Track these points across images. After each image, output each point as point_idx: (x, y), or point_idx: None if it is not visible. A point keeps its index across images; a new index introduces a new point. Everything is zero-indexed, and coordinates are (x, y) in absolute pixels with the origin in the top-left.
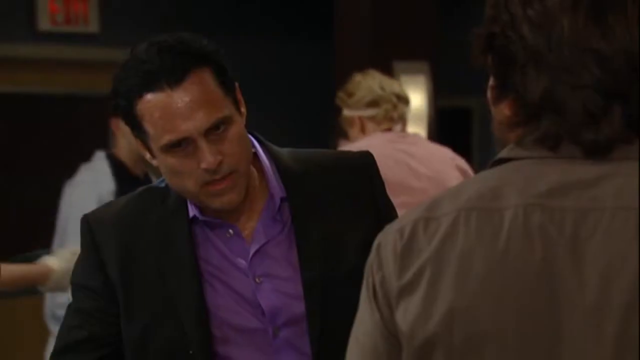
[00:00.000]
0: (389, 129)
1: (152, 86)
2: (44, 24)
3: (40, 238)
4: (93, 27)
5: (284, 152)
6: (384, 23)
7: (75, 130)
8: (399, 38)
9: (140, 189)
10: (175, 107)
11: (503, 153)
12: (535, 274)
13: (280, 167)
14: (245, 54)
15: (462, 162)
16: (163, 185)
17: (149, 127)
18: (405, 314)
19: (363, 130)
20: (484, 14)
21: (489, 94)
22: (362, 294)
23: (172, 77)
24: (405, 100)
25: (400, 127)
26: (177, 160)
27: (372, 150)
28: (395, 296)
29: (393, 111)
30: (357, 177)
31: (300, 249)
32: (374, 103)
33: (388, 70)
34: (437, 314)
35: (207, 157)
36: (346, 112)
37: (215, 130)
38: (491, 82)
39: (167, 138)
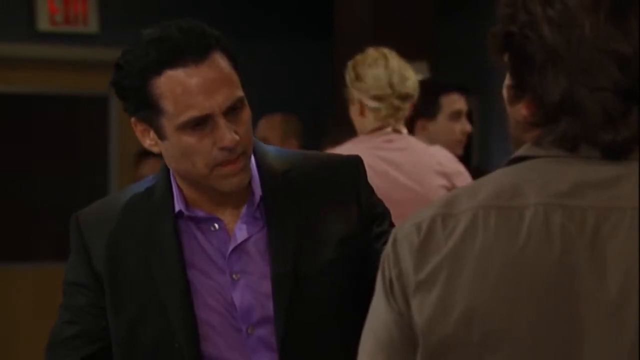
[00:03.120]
0: (380, 128)
1: (175, 62)
2: (43, 24)
3: (39, 238)
4: (92, 27)
5: (270, 150)
6: (384, 23)
7: (75, 131)
8: (399, 38)
9: (127, 187)
10: (199, 83)
11: (520, 151)
12: (554, 272)
13: (261, 164)
14: (244, 53)
15: (450, 167)
16: (148, 182)
17: (167, 105)
18: (422, 310)
19: (362, 114)
20: (483, 14)
21: (505, 93)
22: (377, 287)
23: (196, 54)
24: (411, 97)
25: (392, 127)
26: (193, 139)
27: None
28: (412, 291)
29: (395, 113)
30: (341, 177)
31: (270, 248)
32: (378, 98)
33: None
34: (455, 311)
35: (227, 135)
36: (351, 90)
37: (232, 111)
38: (507, 81)
39: (188, 114)
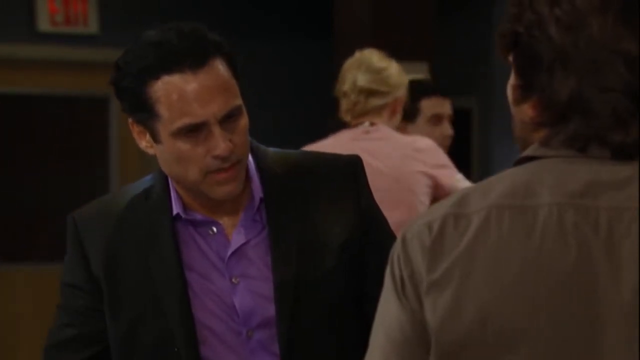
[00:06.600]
0: (356, 125)
1: (172, 67)
2: (43, 24)
3: (39, 239)
4: (92, 27)
5: (270, 152)
6: (384, 23)
7: (75, 131)
8: (399, 38)
9: (123, 187)
10: (195, 90)
11: (528, 152)
12: (569, 272)
13: (262, 167)
14: (245, 53)
15: (426, 156)
16: (146, 183)
17: (163, 110)
18: (435, 310)
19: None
20: (483, 15)
21: (510, 93)
22: (386, 285)
23: (194, 61)
24: (380, 93)
25: (369, 122)
26: (186, 146)
27: (336, 151)
28: (424, 290)
29: (354, 107)
30: (341, 179)
31: (273, 251)
32: (343, 94)
33: None
34: (470, 311)
35: (221, 144)
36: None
37: (228, 119)
38: (513, 81)
39: (183, 122)
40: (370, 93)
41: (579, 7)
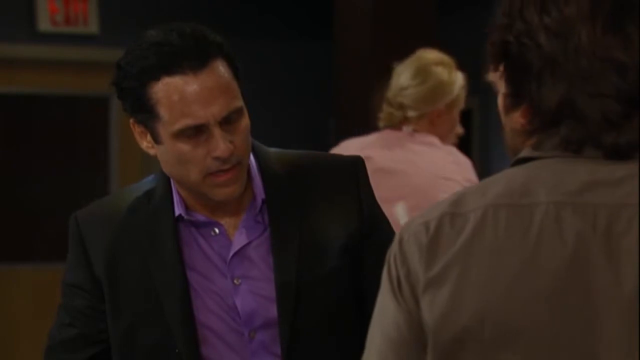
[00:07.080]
0: (400, 128)
1: (173, 69)
2: (43, 24)
3: (39, 239)
4: (92, 27)
5: (271, 152)
6: (384, 23)
7: (75, 131)
8: (399, 38)
9: (125, 187)
10: (195, 92)
11: (525, 152)
12: (568, 269)
13: (264, 167)
14: (245, 53)
15: (464, 170)
16: (148, 184)
17: (163, 111)
18: (432, 308)
19: None
20: (483, 14)
21: (500, 102)
22: (382, 285)
23: (195, 62)
24: (410, 107)
25: (412, 128)
26: (187, 147)
27: (382, 148)
28: (421, 290)
29: (390, 117)
30: (343, 179)
31: (275, 252)
32: (385, 100)
33: (388, 71)
34: (467, 309)
35: (221, 145)
36: None
37: (229, 120)
38: (503, 90)
39: (183, 123)
40: (401, 106)
41: (568, 15)
